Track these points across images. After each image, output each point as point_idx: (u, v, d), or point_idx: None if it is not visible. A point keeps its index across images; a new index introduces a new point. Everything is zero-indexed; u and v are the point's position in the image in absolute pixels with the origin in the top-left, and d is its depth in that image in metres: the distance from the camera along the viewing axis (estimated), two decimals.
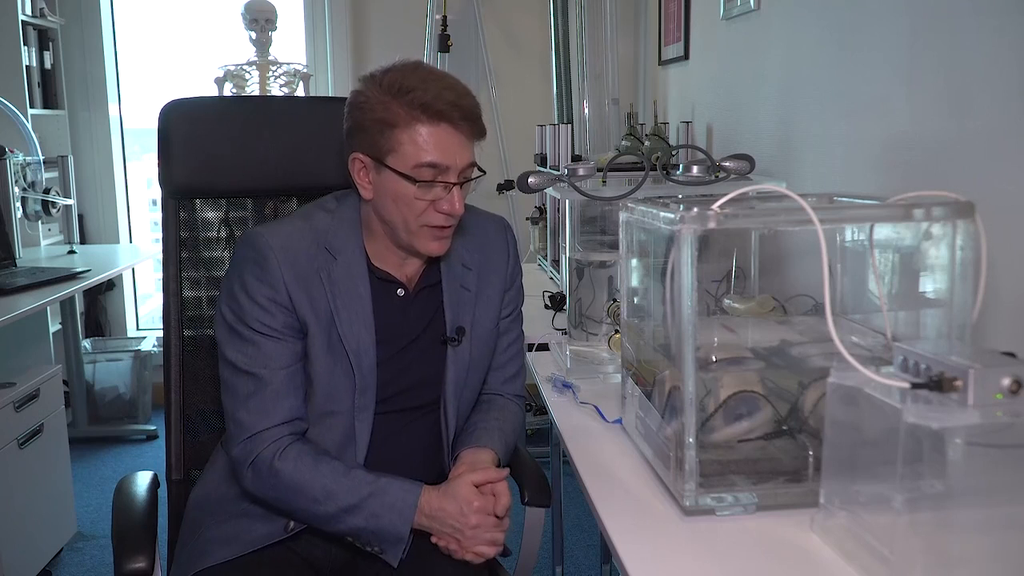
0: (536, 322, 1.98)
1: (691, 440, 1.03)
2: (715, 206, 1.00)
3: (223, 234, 1.59)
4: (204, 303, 1.58)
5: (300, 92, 3.71)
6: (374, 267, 1.34)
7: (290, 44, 4.11)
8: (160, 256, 1.57)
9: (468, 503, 1.26)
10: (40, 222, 3.41)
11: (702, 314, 1.39)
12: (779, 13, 2.03)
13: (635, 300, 1.31)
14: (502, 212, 1.74)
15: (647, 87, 3.55)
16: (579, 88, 3.48)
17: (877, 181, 1.54)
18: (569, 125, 2.91)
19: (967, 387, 0.81)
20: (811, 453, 1.07)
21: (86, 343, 3.83)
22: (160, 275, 1.57)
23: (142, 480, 1.39)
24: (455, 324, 1.37)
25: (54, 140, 3.78)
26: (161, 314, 1.55)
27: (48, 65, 3.75)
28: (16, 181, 3.19)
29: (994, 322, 1.18)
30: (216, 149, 1.55)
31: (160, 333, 1.60)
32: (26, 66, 3.53)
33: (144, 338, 3.99)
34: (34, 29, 3.63)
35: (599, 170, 1.69)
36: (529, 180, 1.68)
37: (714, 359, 1.17)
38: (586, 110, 3.40)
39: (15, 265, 2.89)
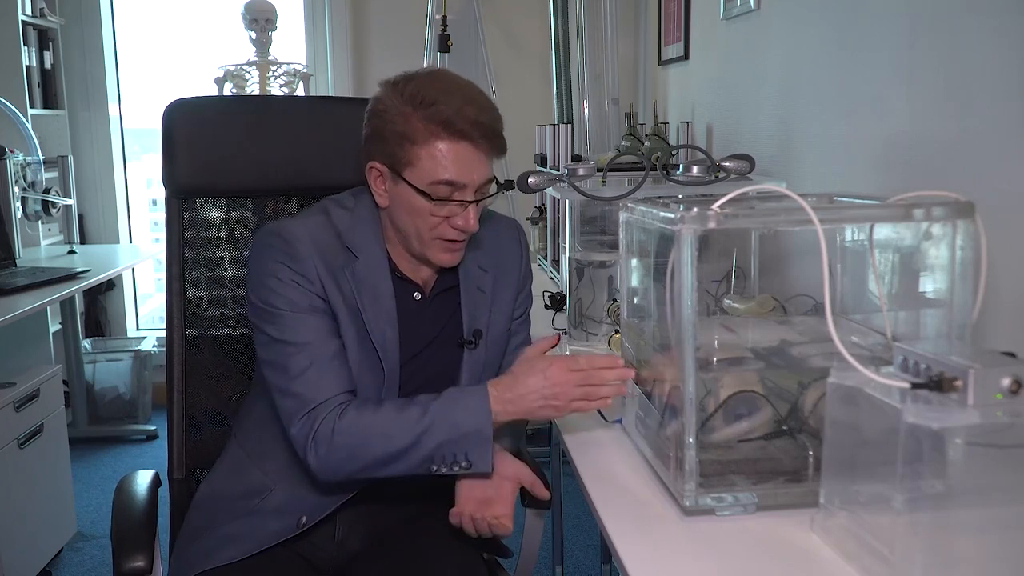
0: (536, 322, 1.97)
1: (691, 440, 1.03)
2: (715, 206, 1.00)
3: (223, 234, 1.59)
4: (206, 303, 1.58)
5: (300, 92, 3.71)
6: (395, 267, 1.34)
7: (290, 44, 4.12)
8: (160, 256, 1.58)
9: (546, 365, 1.21)
10: (40, 222, 3.41)
11: (702, 314, 1.39)
12: (779, 13, 2.03)
13: (635, 300, 1.31)
14: (502, 212, 1.75)
15: (647, 87, 3.55)
16: (579, 88, 3.48)
17: (877, 181, 1.55)
18: (569, 125, 2.91)
19: (967, 387, 0.81)
20: (811, 453, 1.07)
21: (86, 343, 3.83)
22: (160, 275, 1.58)
23: (143, 479, 1.39)
24: (472, 327, 1.37)
25: (54, 140, 3.78)
26: (162, 314, 1.56)
27: (48, 65, 3.75)
28: (16, 181, 3.19)
29: (994, 322, 1.18)
30: (220, 149, 1.55)
31: (160, 333, 1.61)
32: (26, 66, 3.53)
33: (144, 338, 3.98)
34: (34, 29, 3.63)
35: (599, 170, 1.69)
36: (529, 180, 1.69)
37: (714, 359, 1.17)
38: (586, 110, 3.40)
39: (15, 265, 2.89)
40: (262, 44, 3.67)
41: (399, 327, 1.32)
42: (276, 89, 3.68)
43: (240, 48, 3.80)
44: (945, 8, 1.35)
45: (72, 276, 2.74)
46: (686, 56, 2.87)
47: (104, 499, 3.09)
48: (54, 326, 3.38)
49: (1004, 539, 0.85)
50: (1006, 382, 0.81)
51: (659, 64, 3.27)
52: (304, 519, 1.30)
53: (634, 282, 1.30)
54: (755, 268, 1.52)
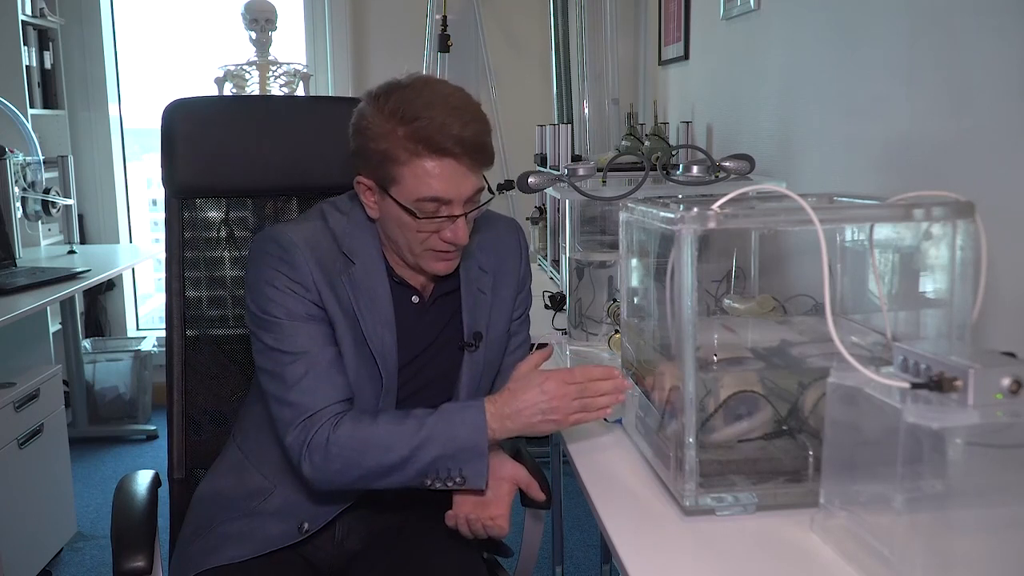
0: (536, 322, 1.97)
1: (691, 440, 1.03)
2: (715, 206, 1.00)
3: (223, 234, 1.59)
4: (206, 303, 1.58)
5: (300, 92, 3.71)
6: (392, 271, 1.33)
7: (290, 44, 4.12)
8: (160, 256, 1.58)
9: (542, 380, 1.20)
10: (40, 222, 3.41)
11: (702, 314, 1.39)
12: (779, 13, 2.03)
13: (635, 300, 1.31)
14: (502, 212, 1.74)
15: (647, 87, 3.55)
16: (579, 88, 3.48)
17: (877, 181, 1.54)
18: (569, 125, 2.91)
19: (967, 387, 0.81)
20: (811, 453, 1.07)
21: (86, 343, 3.83)
22: (160, 275, 1.58)
23: (143, 479, 1.39)
24: (473, 329, 1.37)
25: (54, 140, 3.78)
26: (162, 314, 1.56)
27: (48, 65, 3.75)
28: (16, 181, 3.19)
29: (994, 322, 1.18)
30: (219, 149, 1.55)
31: (160, 333, 1.61)
32: (26, 66, 3.53)
33: (144, 338, 3.98)
34: (34, 29, 3.63)
35: (599, 170, 1.69)
36: (529, 180, 1.69)
37: (714, 359, 1.17)
38: (586, 110, 3.40)
39: (15, 265, 2.89)
40: (262, 44, 3.67)
41: (397, 331, 1.31)
42: (276, 89, 3.68)
43: (240, 48, 3.81)
44: (945, 8, 1.35)
45: (72, 276, 2.74)
46: (686, 56, 2.87)
47: (104, 499, 3.09)
48: (54, 326, 3.38)
49: (1004, 539, 0.85)
50: (1006, 382, 0.81)
51: (659, 64, 3.27)
52: (306, 525, 1.30)
53: (634, 282, 1.30)
54: (755, 268, 1.52)
